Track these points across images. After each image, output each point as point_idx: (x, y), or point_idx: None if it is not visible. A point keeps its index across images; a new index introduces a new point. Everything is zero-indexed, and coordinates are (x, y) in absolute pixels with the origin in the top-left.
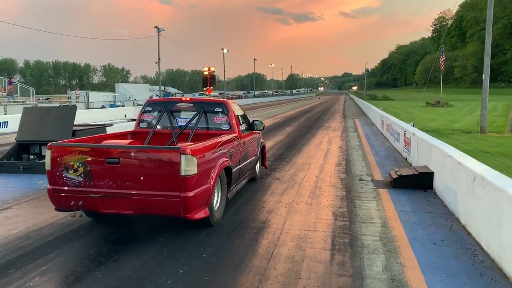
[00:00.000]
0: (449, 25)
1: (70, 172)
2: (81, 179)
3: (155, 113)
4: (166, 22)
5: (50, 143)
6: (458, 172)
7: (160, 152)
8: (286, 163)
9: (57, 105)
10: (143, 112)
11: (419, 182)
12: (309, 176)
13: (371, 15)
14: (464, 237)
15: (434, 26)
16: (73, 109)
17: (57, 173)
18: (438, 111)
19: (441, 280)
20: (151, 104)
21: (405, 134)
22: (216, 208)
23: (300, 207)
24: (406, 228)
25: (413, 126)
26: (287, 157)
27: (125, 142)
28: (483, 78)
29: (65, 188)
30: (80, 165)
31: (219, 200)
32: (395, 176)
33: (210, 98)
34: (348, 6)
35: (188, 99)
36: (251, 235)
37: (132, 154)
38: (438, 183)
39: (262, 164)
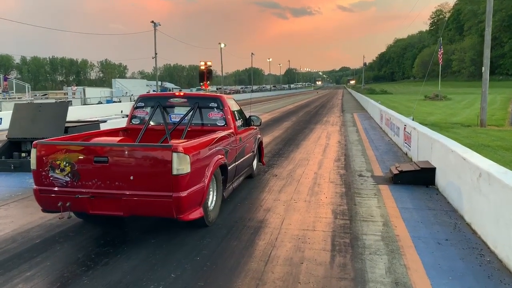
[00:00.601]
0: (446, 18)
1: (57, 171)
2: (68, 179)
3: (148, 109)
4: (163, 17)
5: (36, 141)
6: (462, 168)
7: (150, 150)
8: (284, 159)
9: (53, 101)
10: (135, 107)
11: (420, 178)
12: (307, 172)
13: (368, 8)
14: (469, 236)
15: (432, 19)
16: (65, 106)
17: (43, 173)
18: (437, 104)
19: (448, 283)
20: (143, 99)
21: (405, 128)
22: (211, 207)
23: (299, 205)
24: (409, 227)
25: (412, 120)
26: (285, 152)
27: (116, 139)
28: (482, 71)
29: (52, 189)
30: (67, 164)
31: (214, 199)
32: (395, 172)
33: (205, 93)
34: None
35: (182, 94)
36: (248, 236)
37: (121, 152)
38: (441, 179)
39: (260, 160)
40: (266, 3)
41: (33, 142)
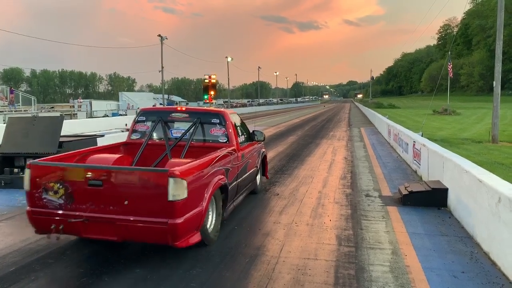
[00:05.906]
0: (454, 33)
1: (50, 193)
2: (62, 202)
3: (149, 123)
4: (171, 31)
5: (30, 161)
6: (479, 190)
7: (146, 174)
8: (287, 176)
9: (58, 114)
10: (136, 122)
11: (432, 199)
12: (311, 191)
13: (375, 23)
14: (488, 267)
15: (440, 34)
16: (60, 120)
17: (37, 194)
18: (446, 119)
19: None
20: (145, 113)
21: (414, 145)
22: (210, 229)
23: (300, 229)
24: (420, 256)
25: (421, 135)
26: (289, 169)
27: (115, 156)
28: (494, 86)
29: (45, 211)
30: (60, 186)
31: (213, 220)
32: (405, 192)
33: (207, 108)
34: (352, 14)
35: (184, 108)
36: (242, 265)
37: (116, 176)
38: (453, 201)
39: (263, 174)
40: (272, 17)
41: (27, 163)
